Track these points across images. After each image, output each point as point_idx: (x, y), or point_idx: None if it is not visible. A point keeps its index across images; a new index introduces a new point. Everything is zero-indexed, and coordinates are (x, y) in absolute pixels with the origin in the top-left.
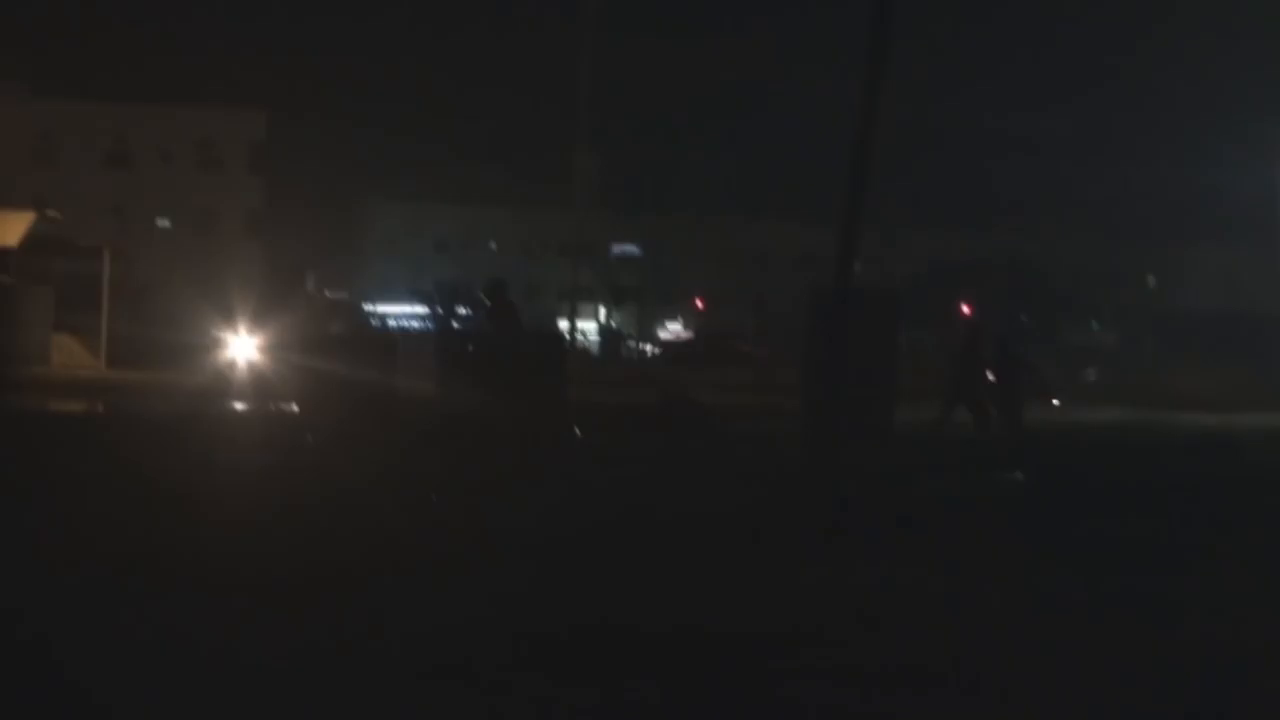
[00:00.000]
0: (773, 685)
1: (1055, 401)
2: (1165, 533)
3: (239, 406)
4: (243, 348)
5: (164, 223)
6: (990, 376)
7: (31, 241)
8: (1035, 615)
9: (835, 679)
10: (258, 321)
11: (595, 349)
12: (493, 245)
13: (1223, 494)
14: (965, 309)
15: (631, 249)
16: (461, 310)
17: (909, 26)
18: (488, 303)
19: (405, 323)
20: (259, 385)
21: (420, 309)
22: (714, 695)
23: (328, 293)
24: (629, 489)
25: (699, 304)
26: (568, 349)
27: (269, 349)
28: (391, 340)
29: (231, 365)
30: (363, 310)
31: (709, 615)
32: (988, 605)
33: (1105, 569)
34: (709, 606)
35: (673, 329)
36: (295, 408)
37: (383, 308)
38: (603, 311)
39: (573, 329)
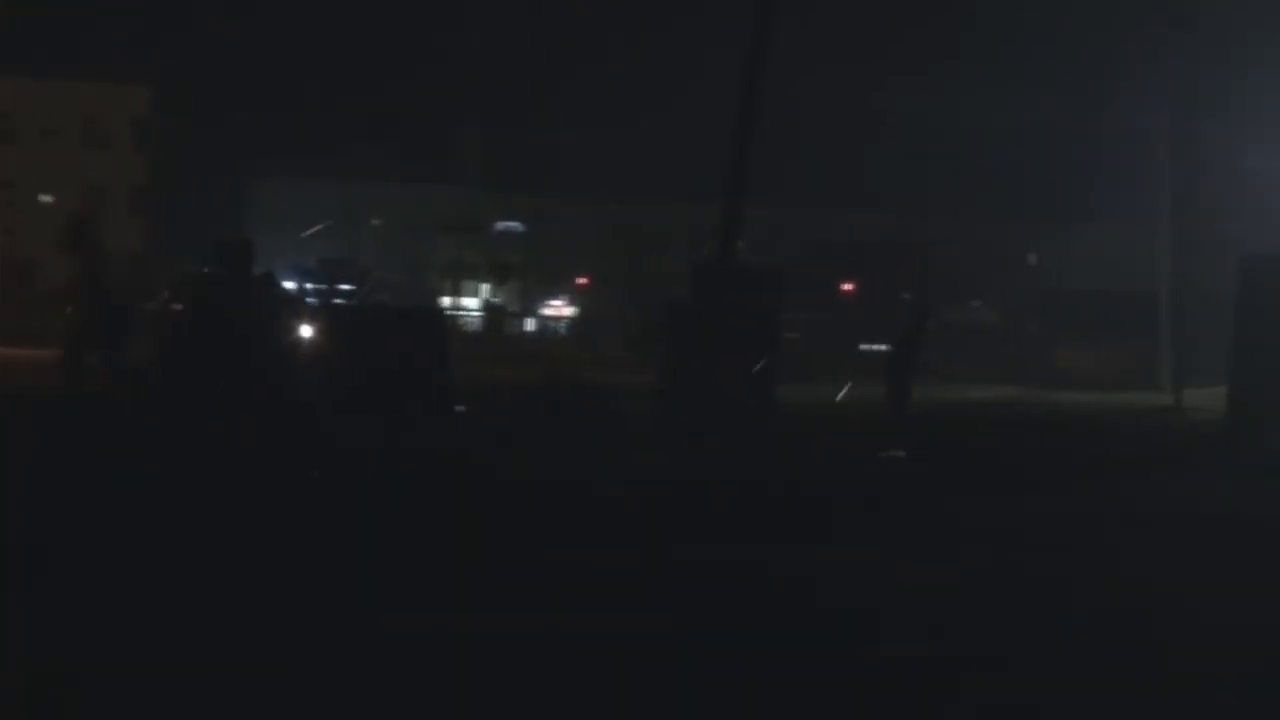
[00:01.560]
0: None
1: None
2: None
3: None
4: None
5: (48, 199)
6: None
7: None
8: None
9: None
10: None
11: (478, 325)
12: (375, 222)
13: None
14: (847, 288)
15: (515, 226)
16: (345, 286)
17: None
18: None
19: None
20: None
21: (306, 285)
22: None
23: (207, 269)
24: (504, 466)
25: (582, 282)
26: (448, 325)
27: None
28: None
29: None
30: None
31: None
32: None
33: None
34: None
35: (555, 305)
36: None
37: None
38: (485, 288)
39: (455, 305)
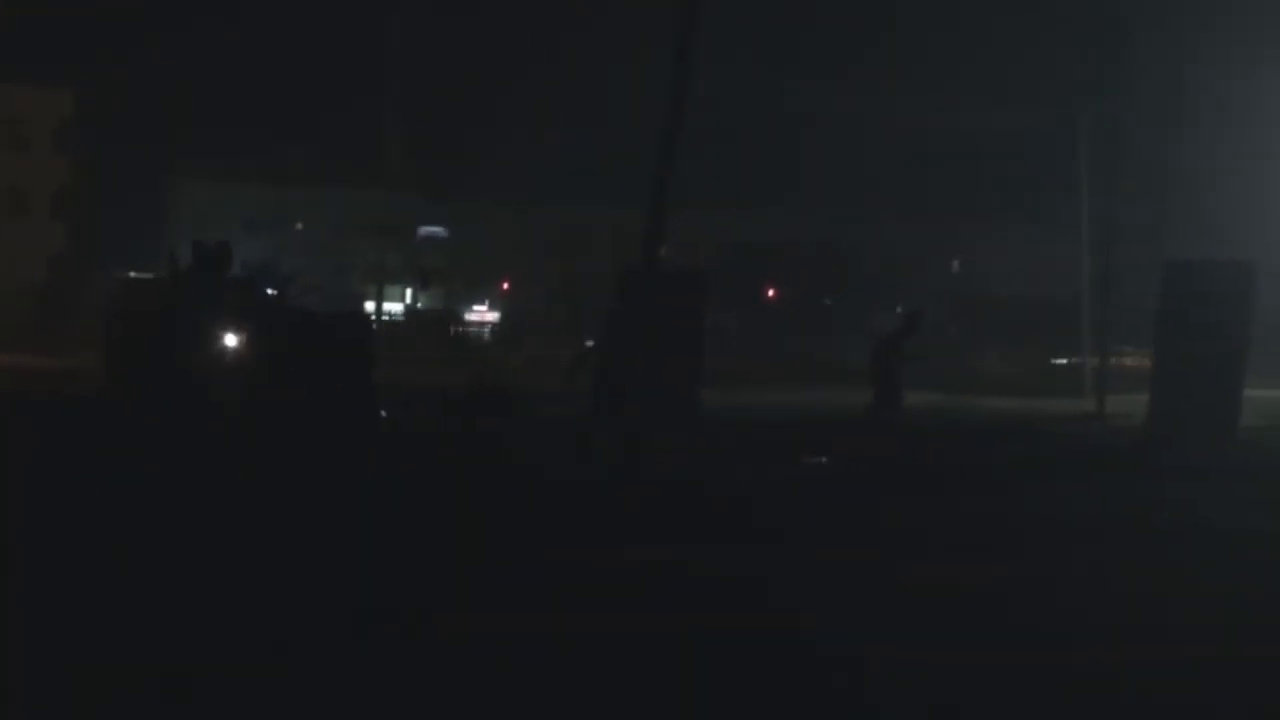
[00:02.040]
0: None
1: None
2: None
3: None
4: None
5: None
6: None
7: None
8: None
9: None
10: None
11: (401, 330)
12: (299, 225)
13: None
14: (770, 292)
15: (438, 230)
16: (271, 290)
17: (719, 4)
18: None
19: None
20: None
21: None
22: None
23: (133, 274)
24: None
25: (505, 286)
26: (373, 329)
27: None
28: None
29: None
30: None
31: None
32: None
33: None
34: None
35: (479, 310)
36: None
37: None
38: (409, 293)
39: (379, 310)
